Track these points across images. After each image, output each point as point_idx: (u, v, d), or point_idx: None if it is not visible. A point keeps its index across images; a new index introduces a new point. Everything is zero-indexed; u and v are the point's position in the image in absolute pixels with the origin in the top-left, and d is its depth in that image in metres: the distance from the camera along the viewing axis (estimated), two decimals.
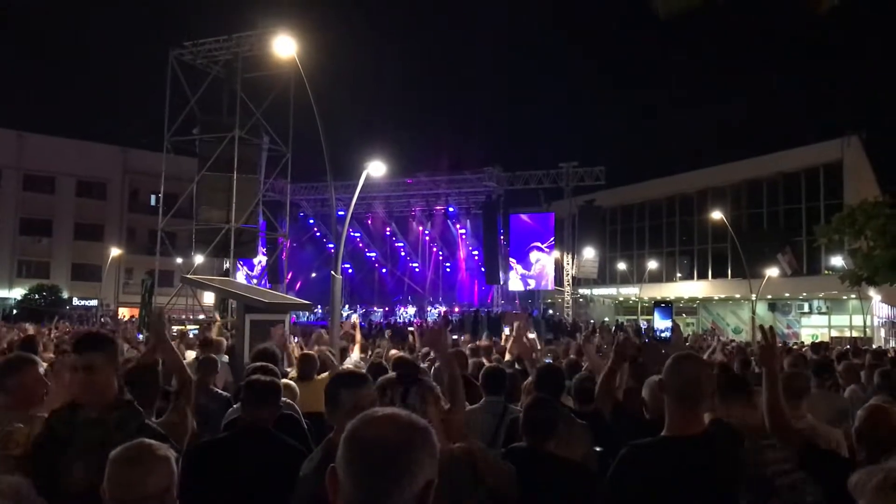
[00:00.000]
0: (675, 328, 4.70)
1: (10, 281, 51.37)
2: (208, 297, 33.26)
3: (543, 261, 45.12)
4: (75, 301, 51.31)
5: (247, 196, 27.56)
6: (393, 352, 10.53)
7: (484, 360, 8.61)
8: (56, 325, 24.55)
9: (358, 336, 11.22)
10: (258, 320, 8.76)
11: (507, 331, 14.45)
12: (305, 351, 7.96)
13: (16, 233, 51.31)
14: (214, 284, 10.24)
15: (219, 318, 18.29)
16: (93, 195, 53.92)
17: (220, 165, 26.79)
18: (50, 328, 23.54)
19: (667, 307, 4.93)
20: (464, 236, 51.52)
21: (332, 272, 12.28)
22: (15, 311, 45.96)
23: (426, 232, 53.25)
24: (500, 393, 5.32)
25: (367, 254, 55.95)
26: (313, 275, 55.74)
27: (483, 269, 46.71)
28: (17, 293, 49.76)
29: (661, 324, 4.83)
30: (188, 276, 11.36)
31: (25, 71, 75.81)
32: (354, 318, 12.37)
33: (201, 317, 36.96)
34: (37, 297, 48.06)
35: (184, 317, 35.62)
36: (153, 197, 54.99)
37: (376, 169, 13.56)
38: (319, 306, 44.90)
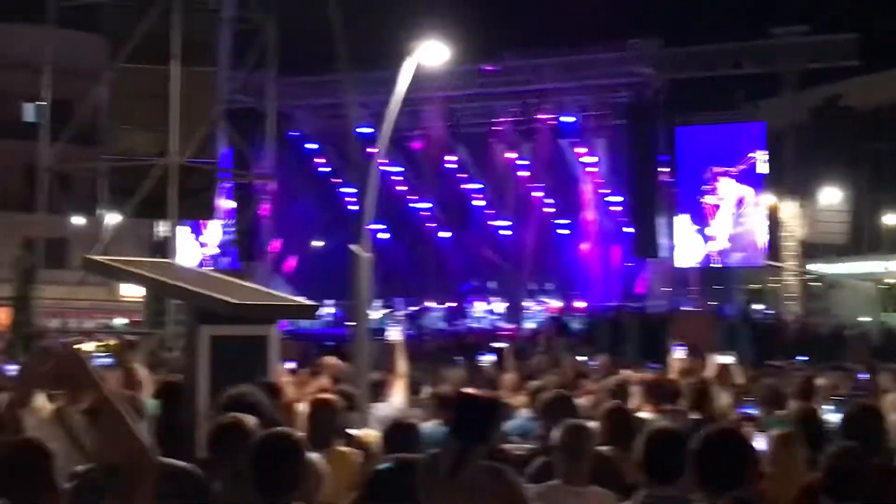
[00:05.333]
0: None
1: None
2: (130, 289, 34.22)
3: (744, 213, 44.69)
4: None
5: (198, 105, 27.93)
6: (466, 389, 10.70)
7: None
8: None
9: (402, 363, 11.48)
10: (224, 337, 8.95)
11: (677, 352, 14.49)
12: (317, 394, 8.06)
13: None
14: (140, 271, 10.46)
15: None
16: None
17: (148, 51, 27.07)
18: None
19: None
20: (591, 170, 51.43)
21: (353, 246, 12.50)
22: None
23: (520, 163, 53.33)
24: (675, 480, 5.57)
25: (415, 205, 56.30)
26: (316, 243, 56.46)
27: (629, 231, 46.39)
28: None
29: None
30: (94, 256, 11.65)
31: None
32: (395, 332, 12.54)
33: (118, 322, 38.04)
34: None
35: (87, 323, 36.81)
36: (29, 107, 56.40)
37: (431, 53, 13.62)
38: (331, 304, 45.55)
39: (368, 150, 53.94)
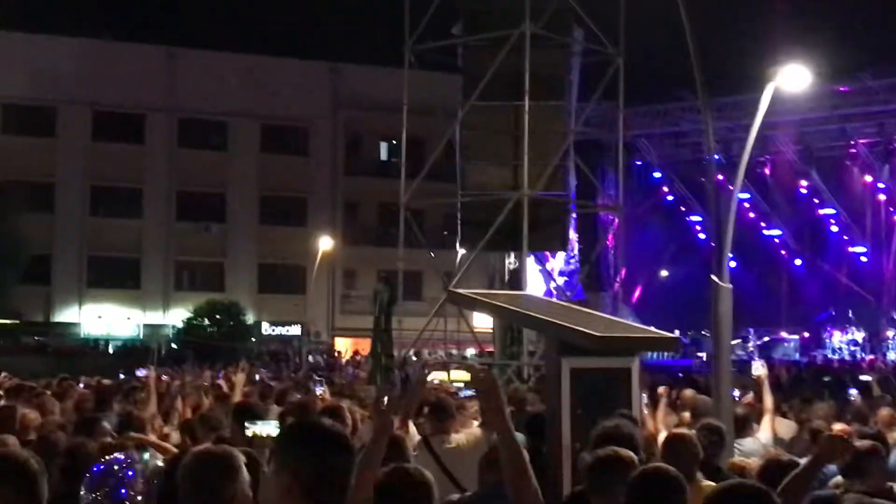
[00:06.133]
0: None
1: (166, 297, 58.20)
2: (482, 320, 34.89)
3: None
4: (264, 329, 56.95)
5: (548, 139, 28.17)
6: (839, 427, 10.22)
7: None
8: (242, 369, 27.22)
9: (768, 398, 11.10)
10: (586, 370, 8.85)
11: None
12: (679, 428, 7.86)
13: (170, 216, 57.90)
14: (504, 304, 10.58)
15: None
16: (286, 148, 59.66)
17: (499, 87, 27.55)
18: (231, 375, 26.21)
19: None
20: None
21: (713, 276, 12.18)
22: (174, 346, 52.11)
23: (881, 186, 51.83)
24: None
25: (766, 232, 55.04)
26: (663, 273, 56.05)
27: None
28: (178, 317, 56.23)
29: None
30: (458, 290, 11.94)
31: None
32: (759, 366, 12.16)
33: (472, 353, 38.84)
34: (207, 322, 53.99)
35: (442, 352, 37.79)
36: (384, 146, 59.20)
37: (791, 78, 13.13)
38: (686, 335, 44.98)
39: (717, 177, 53.86)
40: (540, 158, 27.91)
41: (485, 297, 10.63)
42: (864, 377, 21.91)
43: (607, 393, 8.66)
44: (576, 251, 42.20)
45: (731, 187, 56.11)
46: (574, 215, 39.13)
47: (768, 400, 11.24)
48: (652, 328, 11.12)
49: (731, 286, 12.49)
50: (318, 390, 15.78)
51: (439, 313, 31.69)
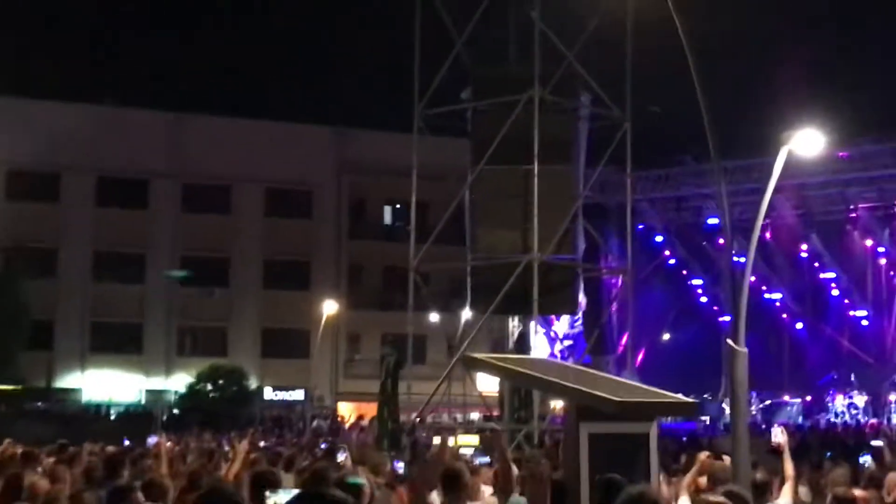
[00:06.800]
0: None
1: (169, 362, 57.92)
2: (486, 384, 34.69)
3: None
4: (267, 393, 56.68)
5: (557, 203, 28.28)
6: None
7: None
8: (246, 436, 27.09)
9: (788, 464, 10.99)
10: (605, 435, 8.77)
11: None
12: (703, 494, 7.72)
13: (174, 282, 57.31)
14: (521, 369, 10.49)
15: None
16: (290, 212, 59.52)
17: (508, 152, 27.74)
18: (235, 442, 26.04)
19: None
20: None
21: (728, 341, 12.10)
22: (176, 411, 51.80)
23: (881, 250, 52.07)
24: None
25: (767, 296, 55.07)
26: (665, 336, 55.95)
27: None
28: (180, 382, 55.93)
29: None
30: (473, 354, 11.87)
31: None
32: (779, 433, 12.06)
33: (477, 417, 38.56)
34: (210, 387, 53.72)
35: (448, 416, 37.59)
36: (388, 210, 59.24)
37: (806, 143, 13.18)
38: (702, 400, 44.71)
39: (713, 238, 54.34)
40: (549, 222, 27.99)
41: (501, 362, 10.57)
42: (875, 442, 21.73)
43: (626, 458, 8.54)
44: (579, 314, 42.06)
45: (733, 251, 56.36)
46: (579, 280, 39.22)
47: (789, 467, 11.15)
48: (668, 393, 11.03)
49: (746, 350, 12.40)
50: (340, 457, 15.70)
51: (452, 377, 31.63)
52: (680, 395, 10.95)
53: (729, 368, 12.38)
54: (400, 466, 15.69)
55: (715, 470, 11.92)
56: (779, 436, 11.62)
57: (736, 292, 12.81)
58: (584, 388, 9.12)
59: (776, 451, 11.93)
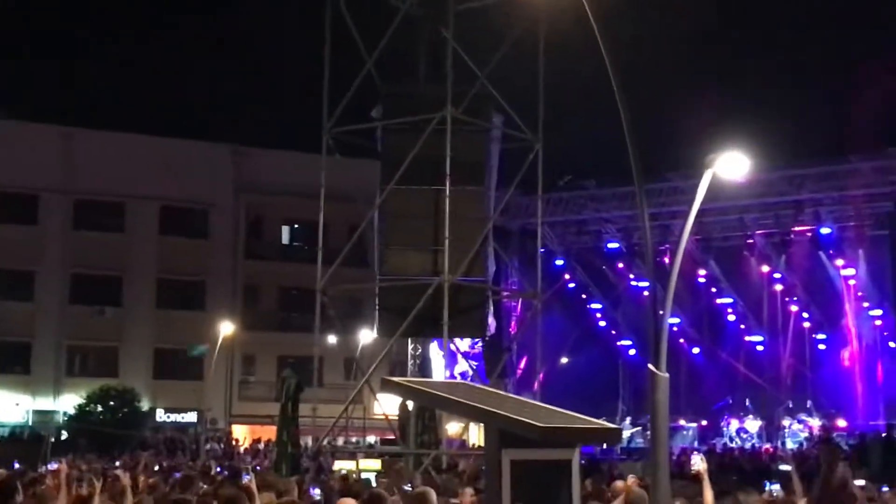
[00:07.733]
0: None
1: (57, 383, 56.40)
2: (384, 407, 34.43)
3: None
4: (159, 415, 55.75)
5: (467, 224, 28.27)
6: None
7: None
8: (138, 461, 26.45)
9: (708, 493, 10.99)
10: (526, 462, 8.65)
11: None
12: None
13: (64, 300, 56.48)
14: (440, 393, 10.24)
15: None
16: (185, 230, 58.54)
17: (416, 173, 27.68)
18: (131, 466, 25.39)
19: None
20: (852, 283, 50.56)
21: (650, 366, 11.99)
22: (64, 435, 50.51)
23: (777, 276, 52.88)
24: None
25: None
26: (563, 360, 56.28)
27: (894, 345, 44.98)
28: (69, 403, 54.56)
29: None
30: (392, 378, 11.58)
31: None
32: (698, 460, 12.06)
33: (374, 439, 38.27)
34: (100, 408, 52.59)
35: (345, 440, 37.13)
36: (286, 230, 58.76)
37: (731, 165, 13.21)
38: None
39: (600, 259, 54.93)
40: (460, 244, 27.96)
41: (421, 386, 10.33)
42: (784, 467, 21.84)
43: (548, 486, 8.54)
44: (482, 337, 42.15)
45: (631, 276, 56.88)
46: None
47: (708, 495, 11.18)
48: (591, 419, 10.89)
49: (667, 375, 12.30)
50: (245, 479, 15.45)
51: (341, 400, 31.40)
52: (603, 421, 10.86)
53: (650, 393, 12.24)
54: (316, 493, 15.41)
55: (633, 497, 11.87)
56: (699, 463, 11.62)
57: (657, 317, 12.71)
58: (508, 414, 8.96)
59: (695, 479, 11.89)
